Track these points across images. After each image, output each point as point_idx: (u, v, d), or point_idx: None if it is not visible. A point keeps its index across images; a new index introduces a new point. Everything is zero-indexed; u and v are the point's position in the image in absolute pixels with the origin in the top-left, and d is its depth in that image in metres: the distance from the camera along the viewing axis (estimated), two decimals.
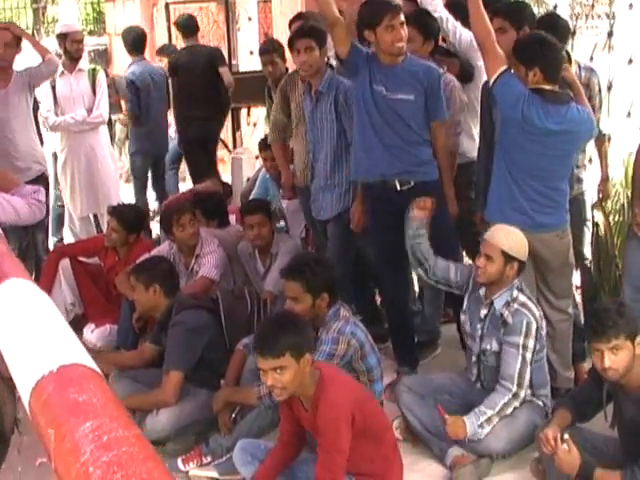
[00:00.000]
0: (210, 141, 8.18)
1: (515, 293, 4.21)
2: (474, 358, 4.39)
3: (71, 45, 7.08)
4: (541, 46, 4.28)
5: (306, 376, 3.46)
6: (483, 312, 4.31)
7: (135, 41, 8.26)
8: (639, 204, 4.68)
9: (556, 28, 4.71)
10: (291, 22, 6.00)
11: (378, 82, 4.76)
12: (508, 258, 4.17)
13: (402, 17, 4.69)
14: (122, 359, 5.06)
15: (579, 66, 4.82)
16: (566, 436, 3.52)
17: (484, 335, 4.29)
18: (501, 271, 4.18)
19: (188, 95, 7.80)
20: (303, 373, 3.43)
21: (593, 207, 5.10)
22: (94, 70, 7.33)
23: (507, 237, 4.19)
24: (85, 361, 1.59)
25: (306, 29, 5.18)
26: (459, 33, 5.09)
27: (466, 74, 5.32)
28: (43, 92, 7.03)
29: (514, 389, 4.11)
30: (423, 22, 5.08)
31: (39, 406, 1.49)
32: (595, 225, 5.07)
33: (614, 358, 3.48)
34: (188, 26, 8.27)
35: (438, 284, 4.62)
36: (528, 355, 4.12)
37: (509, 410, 4.11)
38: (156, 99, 8.03)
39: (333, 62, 5.27)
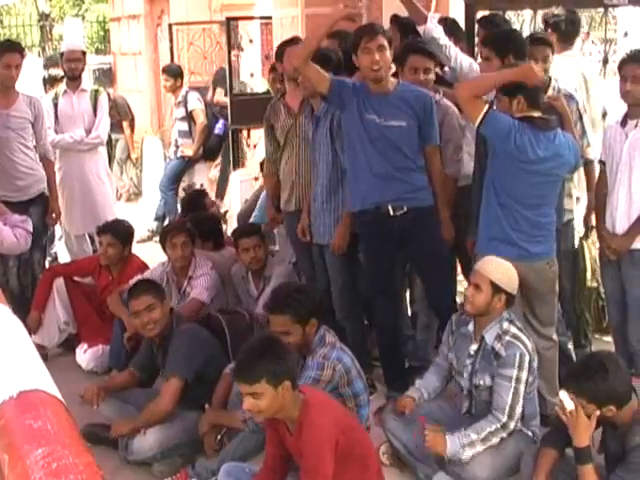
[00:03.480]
0: None
1: (506, 325, 4.18)
2: (465, 392, 4.34)
3: (67, 64, 7.14)
4: None
5: (287, 401, 3.45)
6: (473, 348, 4.26)
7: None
8: (604, 227, 4.71)
9: None
10: (283, 46, 5.74)
11: (370, 111, 4.74)
12: (496, 289, 4.15)
13: (382, 41, 4.61)
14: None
15: (557, 92, 4.84)
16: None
17: (476, 371, 4.24)
18: (488, 302, 4.16)
19: None
20: (283, 399, 3.42)
21: (582, 238, 5.10)
22: (97, 91, 7.42)
23: (497, 269, 4.18)
24: (46, 387, 1.61)
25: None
26: (460, 59, 5.10)
27: None
28: (45, 109, 7.07)
29: (504, 420, 4.07)
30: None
31: None
32: (577, 255, 5.07)
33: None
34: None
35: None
36: (521, 388, 4.08)
37: (495, 440, 4.07)
38: None
39: None
